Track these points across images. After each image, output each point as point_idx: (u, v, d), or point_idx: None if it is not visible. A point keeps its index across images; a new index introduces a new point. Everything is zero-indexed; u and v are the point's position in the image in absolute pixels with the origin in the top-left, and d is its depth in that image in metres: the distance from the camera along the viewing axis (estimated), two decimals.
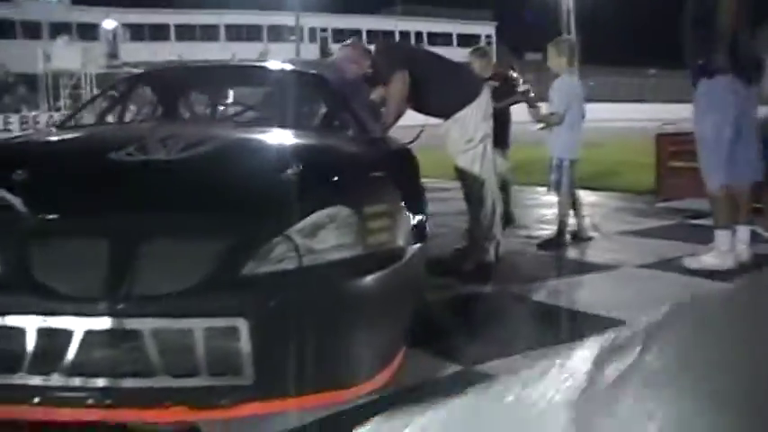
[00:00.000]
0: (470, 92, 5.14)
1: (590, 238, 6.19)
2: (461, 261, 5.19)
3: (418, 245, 3.09)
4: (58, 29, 43.19)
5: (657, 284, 4.78)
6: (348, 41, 5.40)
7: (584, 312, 4.12)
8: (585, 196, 7.28)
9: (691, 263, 5.05)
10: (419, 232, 3.21)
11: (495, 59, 7.63)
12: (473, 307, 4.37)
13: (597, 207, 8.10)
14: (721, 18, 4.81)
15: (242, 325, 2.30)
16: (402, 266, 2.78)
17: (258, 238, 2.50)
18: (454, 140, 5.14)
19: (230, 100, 5.89)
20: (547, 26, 41.57)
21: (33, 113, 34.28)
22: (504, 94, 6.66)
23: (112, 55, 43.93)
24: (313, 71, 5.11)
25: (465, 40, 53.75)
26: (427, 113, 5.29)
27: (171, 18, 50.95)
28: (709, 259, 5.00)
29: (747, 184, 5.19)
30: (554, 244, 5.93)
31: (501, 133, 6.38)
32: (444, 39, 56.95)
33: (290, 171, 2.83)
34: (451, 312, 4.19)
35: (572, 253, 5.79)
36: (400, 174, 3.40)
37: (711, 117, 5.01)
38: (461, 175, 5.18)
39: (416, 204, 3.39)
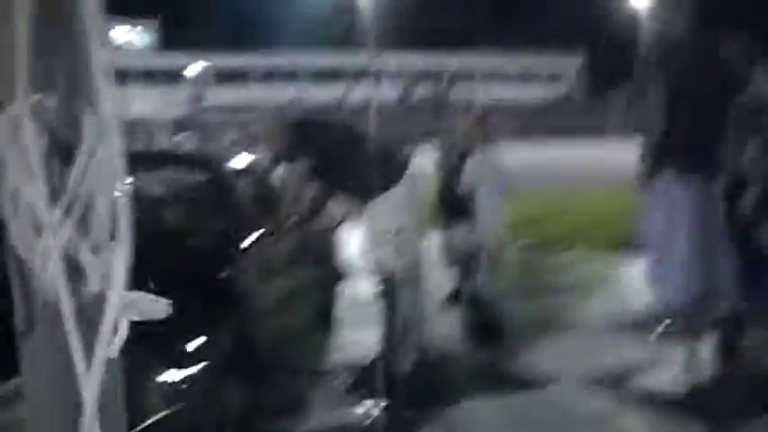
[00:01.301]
0: (386, 177, 4.38)
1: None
2: (368, 375, 4.48)
3: None
4: (148, 75, 44.35)
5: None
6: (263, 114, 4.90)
7: None
8: None
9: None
10: None
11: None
12: None
13: None
14: None
15: None
16: None
17: None
18: (367, 231, 4.51)
19: None
20: None
21: None
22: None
23: (197, 99, 44.20)
24: None
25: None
26: (344, 196, 4.76)
27: (254, 62, 50.97)
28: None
29: None
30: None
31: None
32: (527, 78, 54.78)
33: None
34: None
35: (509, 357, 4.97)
36: None
37: None
38: (376, 271, 4.52)
39: None
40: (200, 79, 46.45)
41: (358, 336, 5.12)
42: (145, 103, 37.90)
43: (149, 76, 44.07)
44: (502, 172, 5.46)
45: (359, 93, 39.29)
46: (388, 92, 37.93)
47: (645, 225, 4.37)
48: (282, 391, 4.21)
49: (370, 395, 4.20)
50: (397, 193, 4.37)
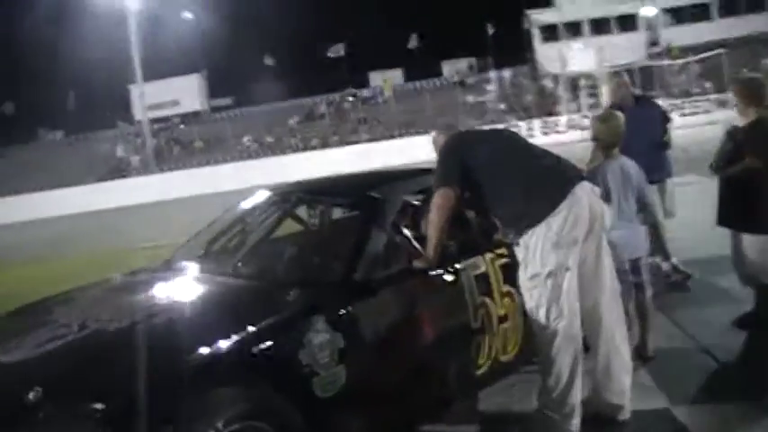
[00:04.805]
0: (539, 208, 3.60)
1: None
2: None
3: None
4: (599, 24, 43.45)
5: None
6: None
7: None
8: None
9: None
10: None
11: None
12: None
13: None
14: None
15: None
16: None
17: None
18: (520, 272, 3.73)
19: None
20: None
21: (553, 118, 36.08)
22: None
23: (653, 43, 43.13)
24: None
25: None
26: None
27: None
28: None
29: None
30: None
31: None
32: None
33: (31, 394, 2.71)
34: None
35: None
36: None
37: None
38: (528, 320, 3.78)
39: None
40: (653, 23, 44.14)
41: None
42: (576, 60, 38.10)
43: (603, 25, 43.27)
44: None
45: None
46: None
47: None
48: None
49: None
50: (540, 232, 3.56)
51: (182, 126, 48.10)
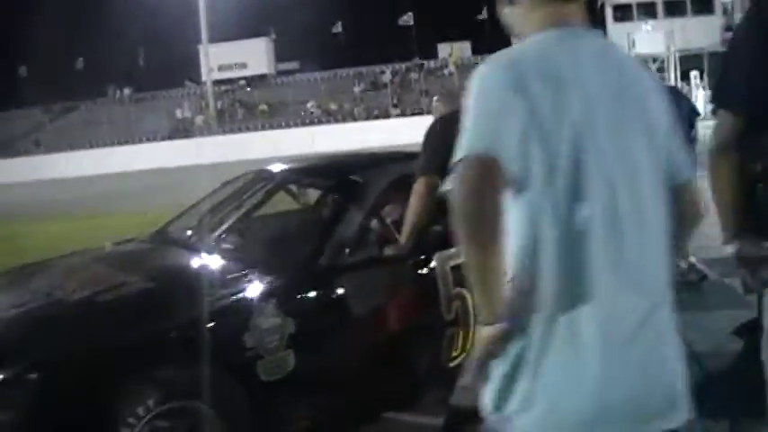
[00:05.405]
0: None
1: None
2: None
3: None
4: (673, 6, 41.38)
5: None
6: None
7: None
8: None
9: None
10: None
11: None
12: None
13: None
14: None
15: None
16: None
17: None
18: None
19: None
20: None
21: None
22: None
23: (728, 28, 39.66)
24: None
25: None
26: None
27: None
28: None
29: None
30: None
31: None
32: None
33: None
34: None
35: None
36: None
37: None
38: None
39: None
40: (729, 6, 41.24)
41: None
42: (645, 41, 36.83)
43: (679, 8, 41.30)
44: None
45: None
46: None
47: None
48: None
49: None
50: None
51: (248, 89, 48.58)
